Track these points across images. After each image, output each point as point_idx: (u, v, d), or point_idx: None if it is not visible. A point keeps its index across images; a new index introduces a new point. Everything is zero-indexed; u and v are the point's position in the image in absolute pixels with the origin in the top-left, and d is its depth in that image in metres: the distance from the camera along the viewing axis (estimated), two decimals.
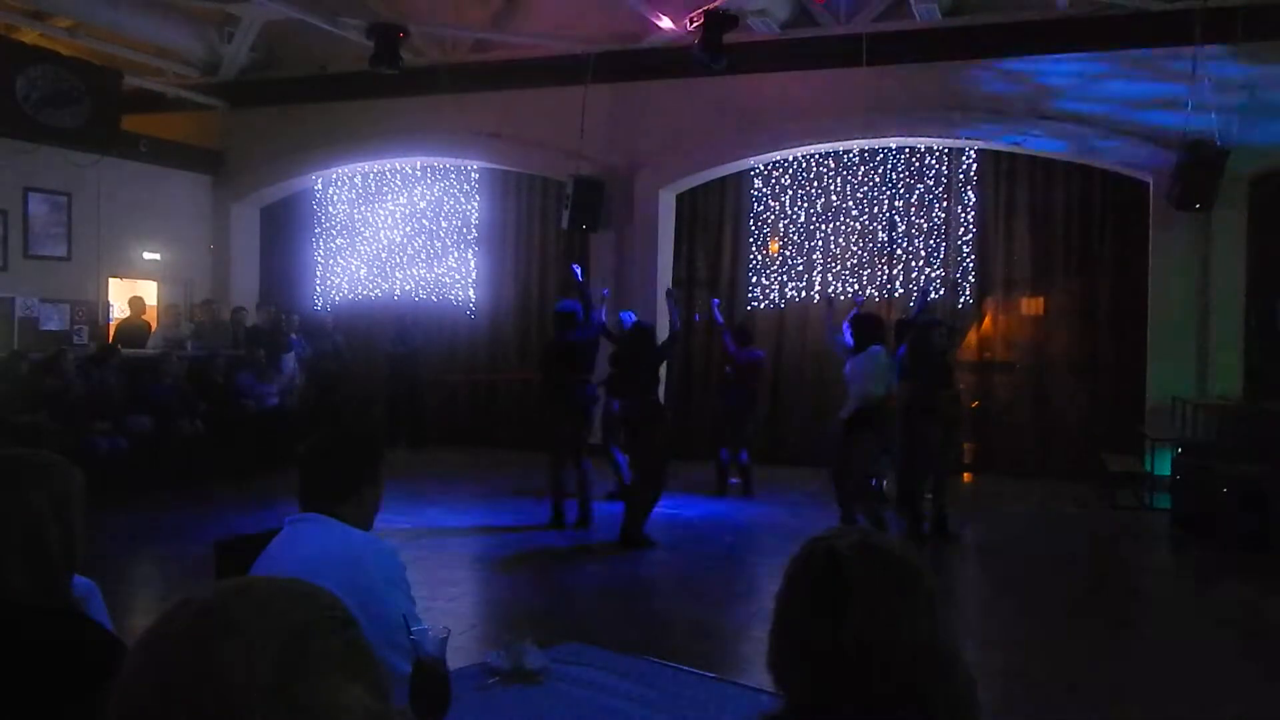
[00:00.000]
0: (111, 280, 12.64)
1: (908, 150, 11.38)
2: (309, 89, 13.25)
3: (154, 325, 12.50)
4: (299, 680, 0.75)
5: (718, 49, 10.26)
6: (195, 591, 0.83)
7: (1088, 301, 10.74)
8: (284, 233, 14.19)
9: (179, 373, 10.54)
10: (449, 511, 8.86)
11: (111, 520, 7.75)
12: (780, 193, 11.91)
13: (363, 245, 13.74)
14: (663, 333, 8.62)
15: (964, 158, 11.21)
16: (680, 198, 12.32)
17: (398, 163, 13.43)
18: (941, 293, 11.13)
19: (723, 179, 12.13)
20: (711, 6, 10.22)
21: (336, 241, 13.89)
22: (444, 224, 13.34)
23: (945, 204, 11.29)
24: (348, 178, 13.79)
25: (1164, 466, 9.20)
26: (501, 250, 13.08)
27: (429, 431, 12.64)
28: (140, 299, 12.48)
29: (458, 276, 13.28)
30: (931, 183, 11.35)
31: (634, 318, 8.66)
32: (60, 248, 11.89)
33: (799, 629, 1.39)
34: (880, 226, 11.52)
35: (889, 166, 11.48)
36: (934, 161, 11.33)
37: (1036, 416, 10.87)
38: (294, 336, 12.14)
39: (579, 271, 8.64)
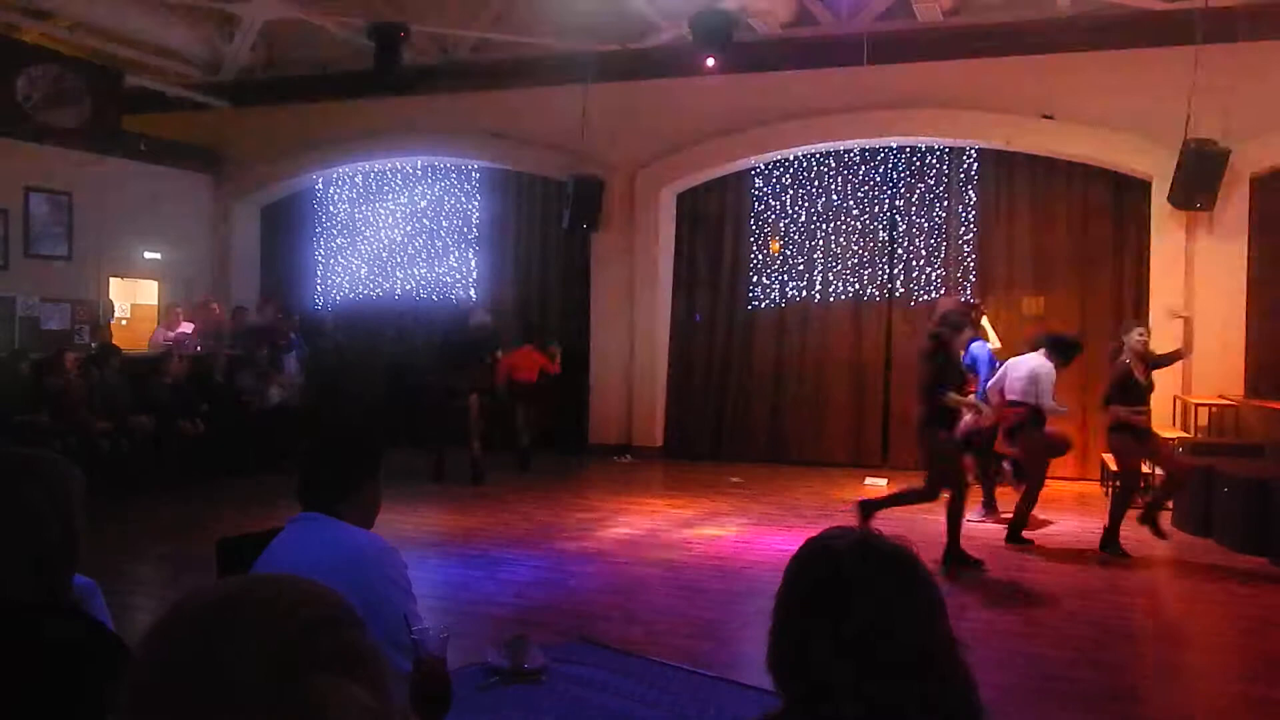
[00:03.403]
0: (112, 280, 12.64)
1: (908, 150, 11.38)
2: (309, 89, 13.24)
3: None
4: (300, 678, 0.75)
5: (718, 48, 10.26)
6: (202, 586, 0.83)
7: (1088, 301, 10.73)
8: (284, 232, 14.19)
9: (179, 372, 10.54)
10: (450, 511, 8.87)
11: (112, 520, 7.75)
12: (781, 192, 11.91)
13: (363, 245, 13.74)
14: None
15: (965, 157, 11.20)
16: (680, 197, 12.32)
17: (398, 162, 13.43)
18: (943, 292, 11.16)
19: (723, 179, 12.12)
20: (712, 6, 10.21)
21: (337, 241, 13.90)
22: (444, 223, 13.35)
23: (946, 203, 11.28)
24: (348, 177, 13.79)
25: None
26: (502, 250, 13.08)
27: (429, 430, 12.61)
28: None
29: (458, 276, 13.28)
30: (932, 182, 11.34)
31: None
32: (61, 247, 11.88)
33: (799, 629, 1.39)
34: (881, 226, 11.51)
35: (890, 166, 11.47)
36: (935, 161, 11.32)
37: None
38: (293, 336, 12.15)
39: None
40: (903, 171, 11.43)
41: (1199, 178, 9.48)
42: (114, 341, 11.33)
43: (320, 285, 13.94)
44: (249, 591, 0.81)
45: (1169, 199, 9.76)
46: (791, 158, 11.80)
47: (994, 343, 9.44)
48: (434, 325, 12.63)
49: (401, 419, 12.61)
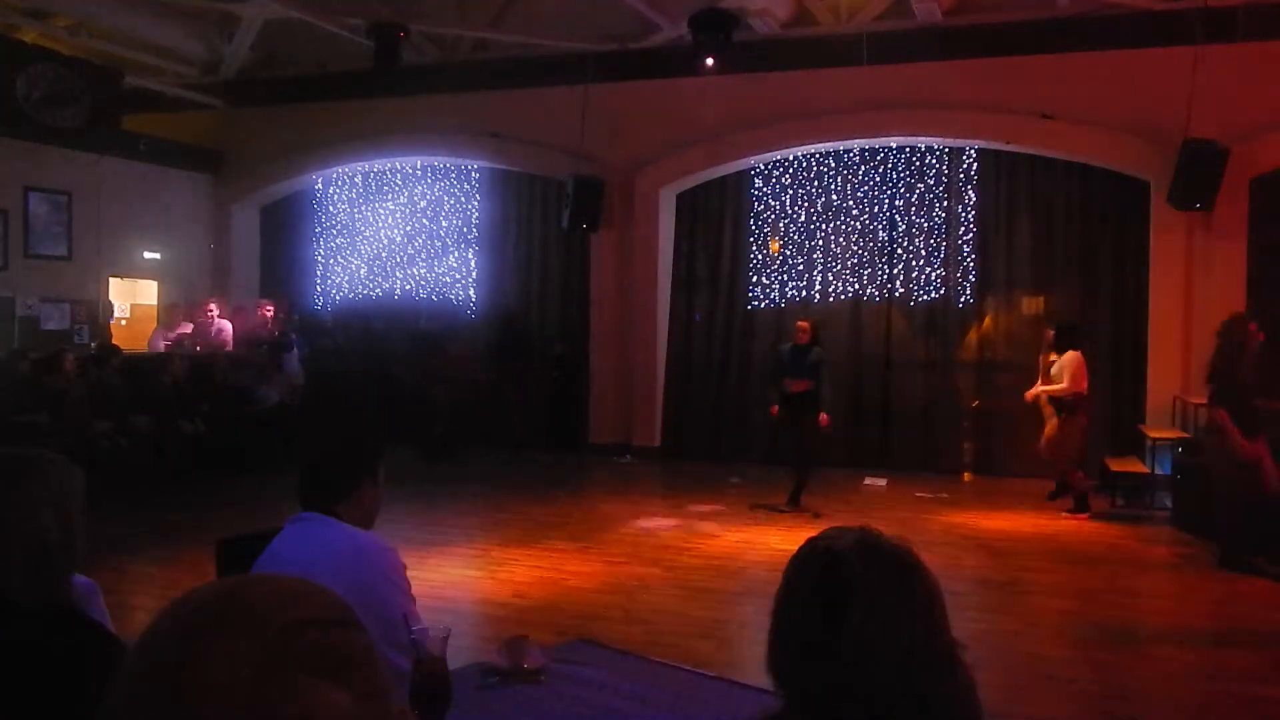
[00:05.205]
0: (112, 279, 12.65)
1: (908, 149, 11.38)
2: (309, 89, 13.25)
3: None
4: (277, 680, 0.75)
5: (719, 48, 10.26)
6: (195, 587, 0.83)
7: (1088, 301, 10.73)
8: (284, 232, 14.18)
9: (179, 372, 10.54)
10: (450, 511, 8.87)
11: (112, 520, 7.75)
12: (781, 192, 11.91)
13: (363, 245, 13.74)
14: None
15: (964, 157, 11.20)
16: (680, 197, 12.31)
17: (398, 162, 13.43)
18: (943, 292, 11.17)
19: (723, 178, 12.12)
20: (712, 6, 10.21)
21: (337, 241, 13.90)
22: (444, 223, 13.35)
23: (946, 203, 11.28)
24: (348, 177, 13.79)
25: (1165, 466, 9.20)
26: (502, 250, 13.08)
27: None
28: None
29: (458, 276, 13.29)
30: (932, 182, 11.34)
31: None
32: (60, 247, 11.89)
33: (799, 629, 1.39)
34: (881, 226, 11.51)
35: (889, 166, 11.47)
36: (934, 161, 11.32)
37: (1037, 416, 10.85)
38: (293, 336, 12.15)
39: None
40: (903, 171, 11.43)
41: (1198, 178, 9.48)
42: (114, 341, 11.34)
43: (320, 285, 13.94)
44: (235, 592, 0.81)
45: (1168, 199, 9.76)
46: (791, 158, 11.80)
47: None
48: (434, 323, 12.67)
49: (403, 419, 12.63)
